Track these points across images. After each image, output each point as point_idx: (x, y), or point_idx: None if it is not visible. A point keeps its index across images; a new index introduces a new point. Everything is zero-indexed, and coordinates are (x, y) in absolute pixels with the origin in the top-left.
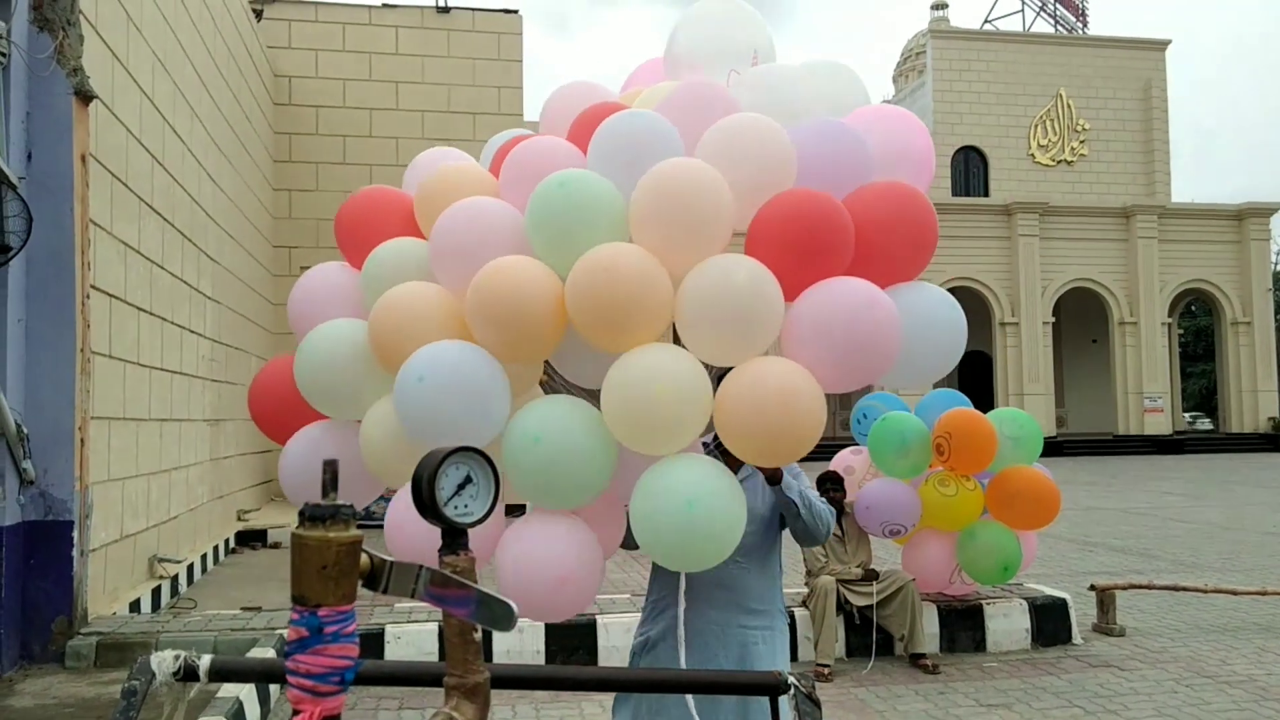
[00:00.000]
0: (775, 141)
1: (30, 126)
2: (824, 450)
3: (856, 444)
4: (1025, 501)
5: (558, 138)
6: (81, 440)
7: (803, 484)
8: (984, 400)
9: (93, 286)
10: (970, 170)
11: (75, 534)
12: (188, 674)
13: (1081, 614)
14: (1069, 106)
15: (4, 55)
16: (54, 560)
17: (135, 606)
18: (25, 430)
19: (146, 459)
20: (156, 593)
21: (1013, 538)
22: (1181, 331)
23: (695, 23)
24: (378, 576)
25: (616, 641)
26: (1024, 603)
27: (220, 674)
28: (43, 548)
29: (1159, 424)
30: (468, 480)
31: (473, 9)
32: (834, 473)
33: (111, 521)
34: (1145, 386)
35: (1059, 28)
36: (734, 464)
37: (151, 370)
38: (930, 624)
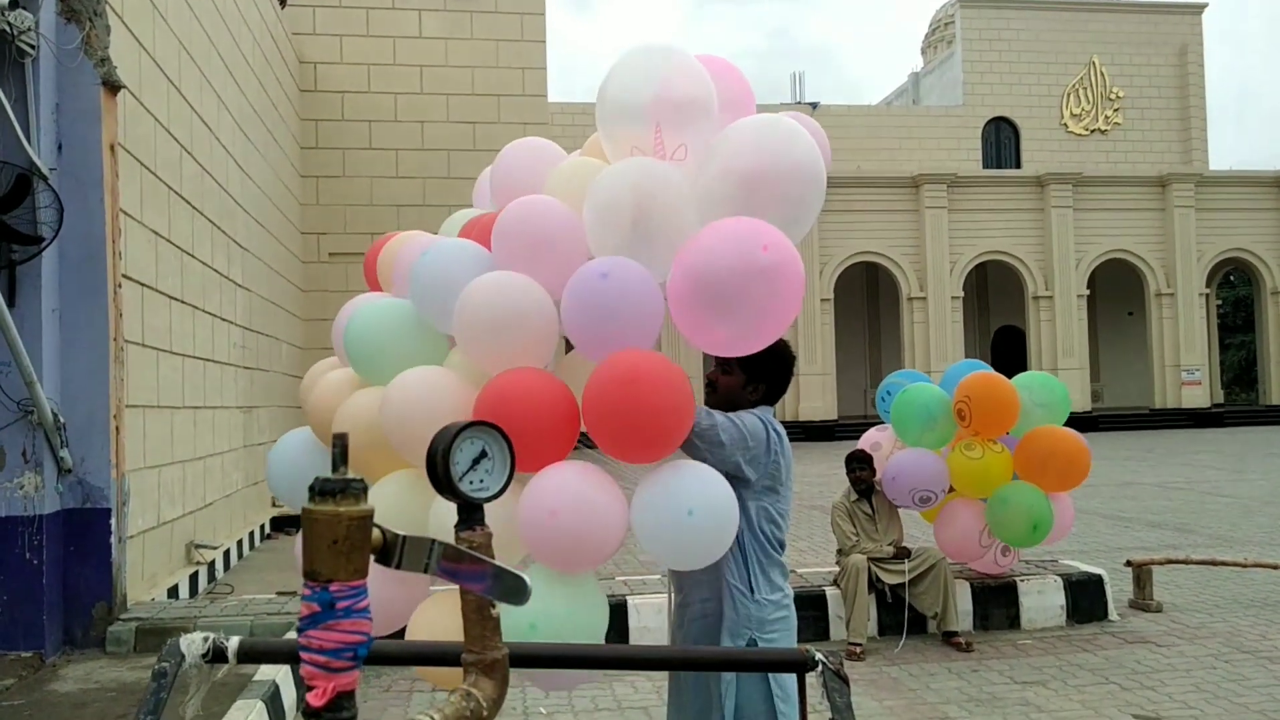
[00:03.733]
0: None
1: (59, 118)
2: (853, 430)
3: (883, 422)
4: (1055, 461)
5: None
6: (117, 428)
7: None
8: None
9: (124, 275)
10: (1001, 142)
11: (113, 521)
12: (216, 656)
13: (1117, 590)
14: (1102, 74)
15: (33, 47)
16: (93, 547)
17: (173, 592)
18: (62, 419)
19: (181, 446)
20: (194, 578)
21: (1042, 497)
22: (1220, 302)
23: (621, 76)
24: (390, 551)
25: (648, 622)
26: (1058, 579)
27: (249, 655)
28: (82, 535)
29: (1197, 397)
30: (483, 455)
31: None
32: (861, 451)
33: (148, 508)
34: (1183, 359)
35: None
36: None
37: (184, 358)
38: (964, 601)
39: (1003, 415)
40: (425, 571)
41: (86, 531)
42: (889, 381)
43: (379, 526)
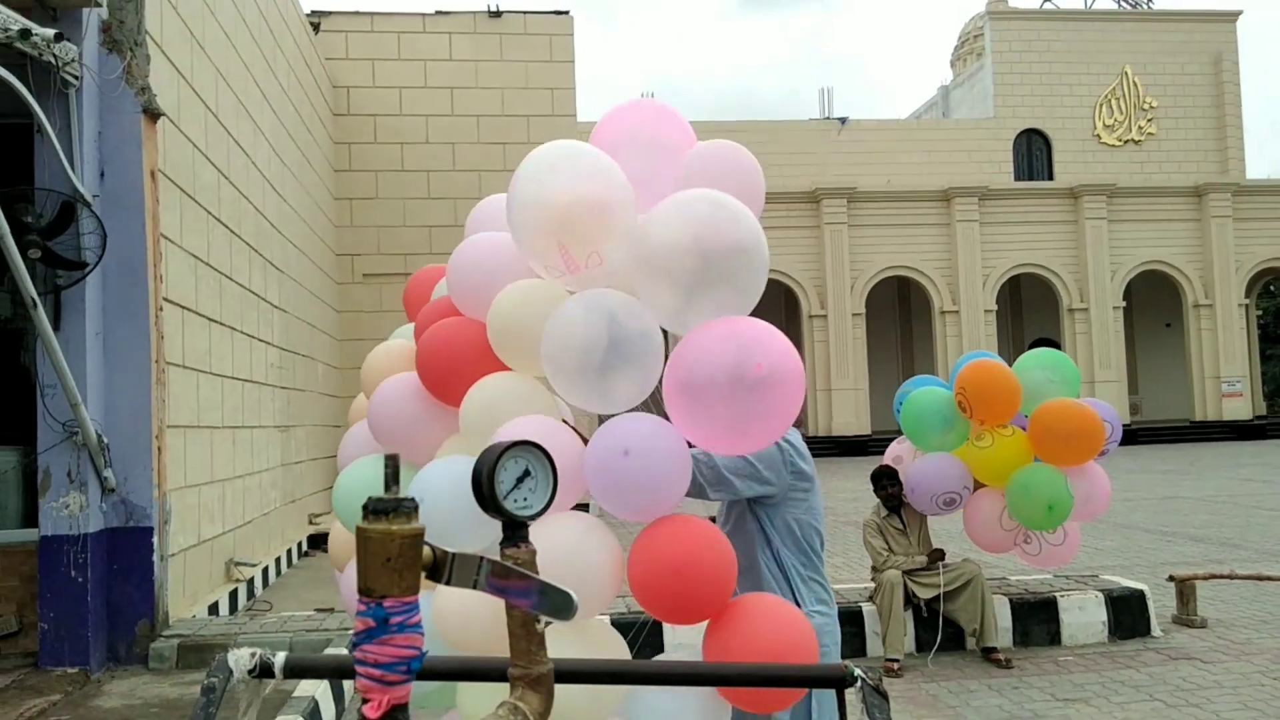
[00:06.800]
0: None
1: (102, 145)
2: (886, 445)
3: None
4: (1060, 433)
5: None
6: (159, 448)
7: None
8: None
9: (165, 299)
10: (1033, 153)
11: (155, 539)
12: (264, 671)
13: (1160, 605)
14: (1135, 84)
15: (76, 78)
16: (136, 565)
17: (214, 609)
18: (105, 440)
19: (221, 465)
20: (234, 595)
21: (1058, 477)
22: (1260, 312)
23: (524, 186)
24: (440, 568)
25: (683, 638)
26: (1100, 595)
27: (294, 670)
28: (125, 553)
29: (1238, 409)
30: (526, 474)
31: (524, 12)
32: (887, 467)
33: (189, 527)
34: (1223, 370)
35: (1122, 3)
36: None
37: (223, 379)
38: (1003, 618)
39: (1004, 402)
40: (474, 588)
41: (130, 550)
42: (903, 392)
43: (429, 544)
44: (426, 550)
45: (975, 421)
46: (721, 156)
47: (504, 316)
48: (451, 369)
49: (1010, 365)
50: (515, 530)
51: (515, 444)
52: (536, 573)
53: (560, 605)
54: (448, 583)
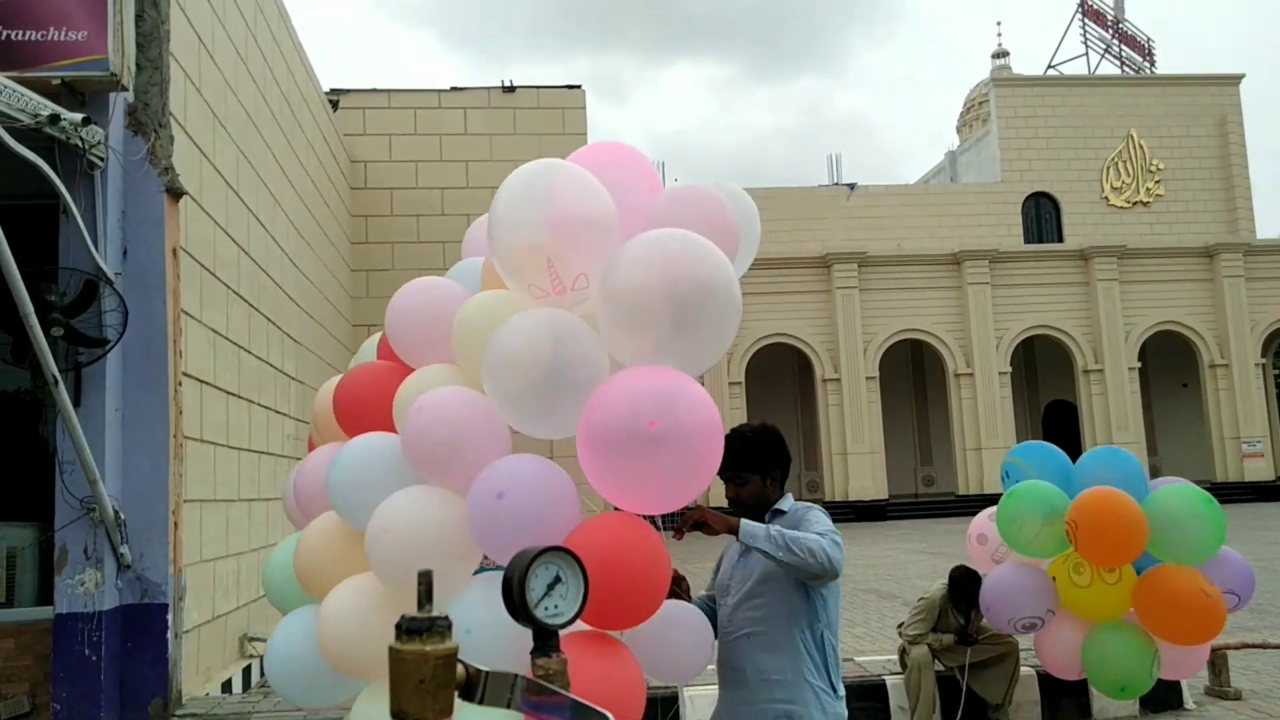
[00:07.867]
0: None
1: (125, 224)
2: (904, 511)
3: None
4: (1170, 614)
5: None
6: (175, 524)
7: (800, 522)
8: (1070, 452)
9: (184, 374)
10: (1042, 216)
11: (170, 616)
12: None
13: (1192, 677)
14: (1141, 147)
15: (102, 159)
16: (150, 642)
17: (227, 686)
18: (122, 516)
19: (236, 539)
20: (247, 672)
21: (1147, 660)
22: (1278, 372)
23: (507, 206)
24: (474, 687)
25: (703, 714)
26: None
27: None
28: (139, 630)
29: (1260, 470)
30: (557, 580)
31: (537, 87)
32: (971, 585)
33: (204, 602)
34: (1242, 431)
35: (1125, 69)
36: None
37: (240, 451)
38: (1031, 691)
39: (1118, 549)
40: (508, 706)
41: (144, 627)
42: (1008, 462)
43: (463, 662)
44: (460, 669)
45: (1079, 554)
46: (689, 197)
47: (467, 319)
48: (364, 410)
49: (1036, 435)
50: (546, 639)
51: (545, 550)
52: (567, 684)
53: None
54: (481, 702)
